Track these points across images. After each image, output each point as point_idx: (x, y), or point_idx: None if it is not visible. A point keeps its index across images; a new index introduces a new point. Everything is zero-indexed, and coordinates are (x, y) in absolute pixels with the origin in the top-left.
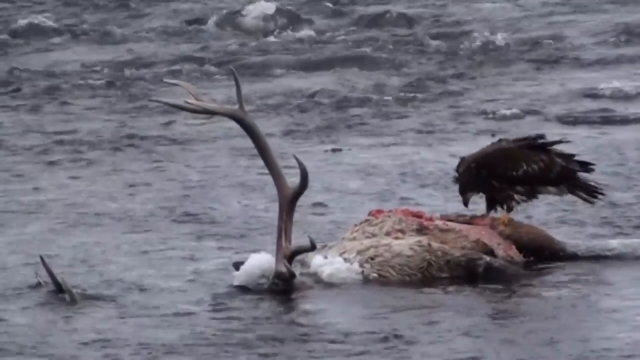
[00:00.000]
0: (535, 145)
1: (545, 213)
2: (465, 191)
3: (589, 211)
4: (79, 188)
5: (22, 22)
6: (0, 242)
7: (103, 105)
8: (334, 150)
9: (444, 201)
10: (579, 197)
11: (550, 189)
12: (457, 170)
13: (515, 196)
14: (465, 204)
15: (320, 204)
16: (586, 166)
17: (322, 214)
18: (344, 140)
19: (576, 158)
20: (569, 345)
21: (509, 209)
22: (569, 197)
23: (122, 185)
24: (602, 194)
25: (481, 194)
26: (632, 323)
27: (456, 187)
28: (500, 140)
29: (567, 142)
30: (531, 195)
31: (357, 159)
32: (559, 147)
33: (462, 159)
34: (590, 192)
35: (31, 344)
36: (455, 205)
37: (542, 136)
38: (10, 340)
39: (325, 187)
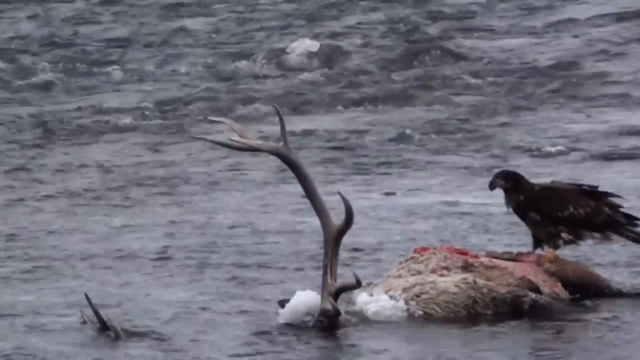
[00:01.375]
0: (586, 192)
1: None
2: (494, 186)
3: (631, 248)
4: (122, 227)
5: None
6: (47, 283)
7: (148, 142)
8: (387, 194)
9: (487, 241)
10: (629, 239)
11: (595, 234)
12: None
13: (562, 234)
14: (491, 186)
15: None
16: (632, 220)
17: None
18: (390, 181)
19: (623, 210)
20: None
21: (555, 247)
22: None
23: (164, 224)
24: None
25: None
26: None
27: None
28: (552, 181)
29: (619, 196)
30: (576, 237)
31: (405, 201)
32: (609, 200)
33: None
34: (635, 239)
35: None
36: (499, 246)
37: (595, 187)
38: None
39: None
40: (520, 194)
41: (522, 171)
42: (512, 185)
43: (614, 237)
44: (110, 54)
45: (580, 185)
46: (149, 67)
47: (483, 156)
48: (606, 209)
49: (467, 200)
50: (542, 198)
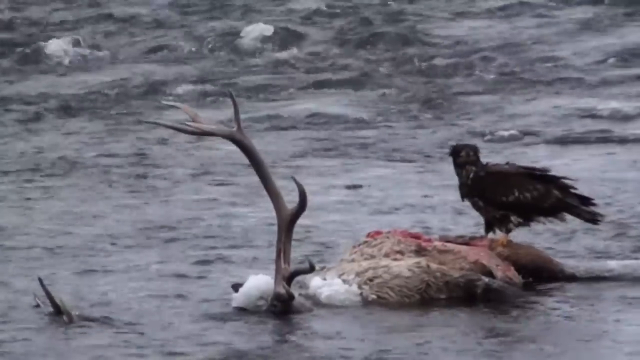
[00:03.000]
0: (536, 176)
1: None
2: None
3: (587, 233)
4: (78, 210)
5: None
6: (4, 263)
7: (103, 126)
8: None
9: (453, 224)
10: (581, 218)
11: (544, 218)
12: (453, 156)
13: (512, 218)
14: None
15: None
16: (586, 201)
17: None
18: (343, 164)
19: (577, 192)
20: None
21: (507, 231)
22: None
23: (120, 206)
24: (600, 220)
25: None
26: (630, 345)
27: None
28: (506, 163)
29: (571, 180)
30: (526, 220)
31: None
32: (562, 182)
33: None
34: (590, 219)
35: None
36: (464, 230)
37: (547, 170)
38: None
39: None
40: (480, 171)
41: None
42: (475, 159)
43: (567, 217)
44: (57, 37)
45: (532, 169)
46: (102, 50)
47: (436, 140)
48: (556, 192)
49: (422, 182)
50: (488, 183)
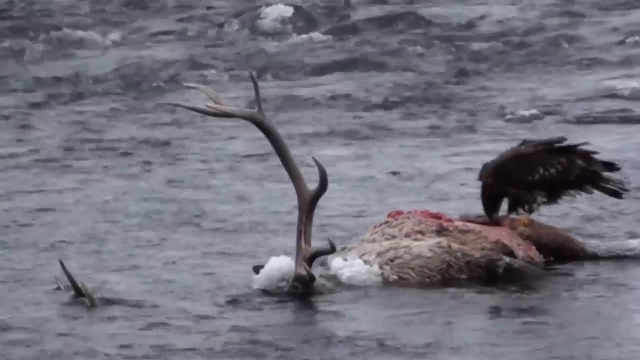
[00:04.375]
0: (554, 149)
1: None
2: (491, 210)
3: (608, 211)
4: (99, 192)
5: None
6: (24, 246)
7: (122, 108)
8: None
9: (472, 204)
10: (605, 192)
11: (572, 191)
12: (480, 178)
13: (537, 198)
14: (491, 219)
15: None
16: (611, 167)
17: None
18: (367, 144)
19: (600, 158)
20: (588, 346)
21: (530, 211)
22: (595, 193)
23: (142, 189)
24: (626, 190)
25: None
26: None
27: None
28: (523, 141)
29: (587, 144)
30: (552, 197)
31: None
32: (582, 148)
33: (484, 167)
34: (614, 190)
35: (50, 349)
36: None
37: (562, 139)
38: (29, 345)
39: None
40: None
41: (495, 135)
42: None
43: (594, 191)
44: (77, 21)
45: (549, 142)
46: (119, 33)
47: (456, 120)
48: (579, 162)
49: (440, 163)
50: (511, 168)
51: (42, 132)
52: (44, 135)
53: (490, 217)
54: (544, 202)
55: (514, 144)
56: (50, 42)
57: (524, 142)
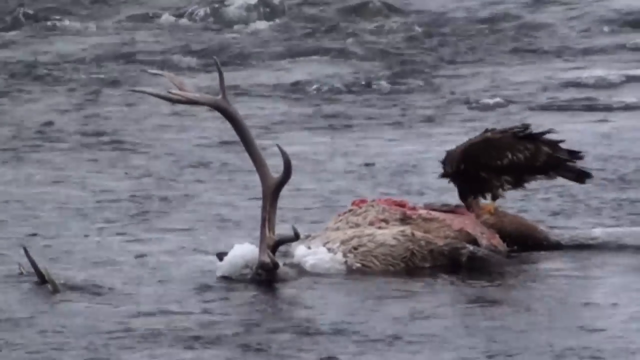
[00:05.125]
0: (521, 136)
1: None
2: (466, 197)
3: (573, 200)
4: (58, 176)
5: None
6: None
7: (86, 95)
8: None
9: (438, 193)
10: (568, 179)
11: (538, 176)
12: (444, 165)
13: (504, 184)
14: (469, 207)
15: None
16: (575, 154)
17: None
18: (333, 132)
19: (565, 146)
20: (550, 335)
21: (494, 198)
22: (558, 180)
23: (103, 175)
24: (590, 176)
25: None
26: (612, 313)
27: (441, 180)
28: (487, 130)
29: (554, 132)
30: (518, 183)
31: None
32: (547, 137)
33: (448, 154)
34: (578, 176)
35: (13, 334)
36: (446, 197)
37: (528, 126)
38: None
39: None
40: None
41: (460, 123)
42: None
43: (558, 177)
44: (44, 7)
45: (513, 129)
46: (83, 21)
47: (421, 108)
48: (545, 149)
49: (405, 148)
50: (479, 152)
51: (10, 119)
52: (11, 122)
53: (466, 204)
54: (508, 189)
55: (478, 133)
56: (18, 26)
57: (487, 129)
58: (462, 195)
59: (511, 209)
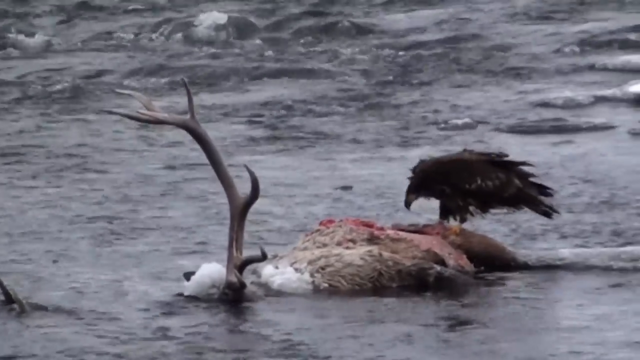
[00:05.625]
0: (497, 162)
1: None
2: (412, 191)
3: (539, 220)
4: (23, 199)
5: None
6: None
7: (54, 115)
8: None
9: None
10: (536, 212)
11: (503, 207)
12: (413, 170)
13: (470, 208)
14: (407, 205)
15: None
16: (545, 191)
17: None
18: (303, 153)
19: (536, 181)
20: (514, 355)
21: (462, 220)
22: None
23: (69, 195)
24: (557, 212)
25: (431, 199)
26: (578, 333)
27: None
28: (465, 150)
29: (531, 165)
30: (483, 209)
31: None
32: (521, 169)
33: (422, 161)
34: (545, 212)
35: None
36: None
37: (506, 155)
38: None
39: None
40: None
41: (430, 143)
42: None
43: (525, 208)
44: (16, 23)
45: (490, 155)
46: (53, 39)
47: (391, 129)
48: (517, 182)
49: (377, 171)
50: (452, 170)
51: None
52: None
53: (407, 200)
54: (477, 213)
55: (447, 154)
56: None
57: (465, 149)
58: (410, 189)
59: (479, 230)
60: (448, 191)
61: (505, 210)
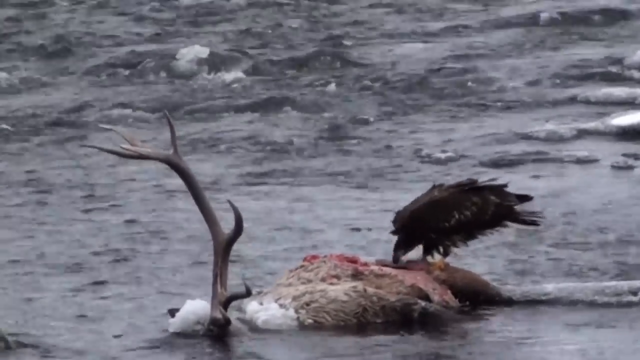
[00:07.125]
0: (467, 189)
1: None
2: (400, 248)
3: (523, 255)
4: (7, 235)
5: None
6: None
7: (34, 149)
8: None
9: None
10: (522, 224)
11: (488, 230)
12: (394, 223)
13: (457, 242)
14: (395, 260)
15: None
16: (524, 198)
17: None
18: (284, 188)
19: (512, 191)
20: None
21: (446, 254)
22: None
23: (55, 231)
24: (542, 218)
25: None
26: None
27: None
28: (434, 186)
29: (496, 179)
30: (470, 238)
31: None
32: (493, 184)
33: (398, 214)
34: (529, 221)
35: None
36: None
37: (475, 181)
38: None
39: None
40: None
41: (413, 177)
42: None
43: (510, 224)
44: None
45: (459, 185)
46: (33, 74)
47: (373, 162)
48: (492, 198)
49: (360, 203)
50: (428, 215)
51: None
52: None
53: (396, 257)
54: (461, 244)
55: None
56: None
57: (435, 186)
58: (397, 247)
59: (462, 265)
60: (433, 237)
61: (491, 233)
